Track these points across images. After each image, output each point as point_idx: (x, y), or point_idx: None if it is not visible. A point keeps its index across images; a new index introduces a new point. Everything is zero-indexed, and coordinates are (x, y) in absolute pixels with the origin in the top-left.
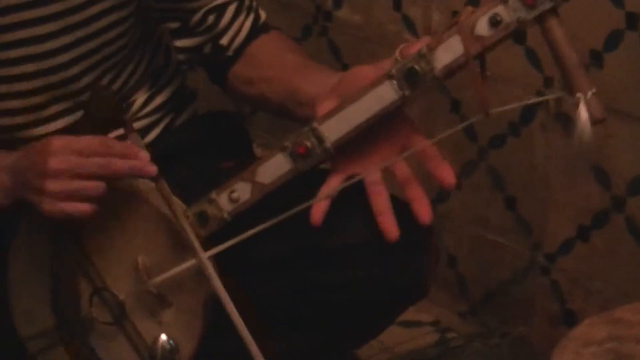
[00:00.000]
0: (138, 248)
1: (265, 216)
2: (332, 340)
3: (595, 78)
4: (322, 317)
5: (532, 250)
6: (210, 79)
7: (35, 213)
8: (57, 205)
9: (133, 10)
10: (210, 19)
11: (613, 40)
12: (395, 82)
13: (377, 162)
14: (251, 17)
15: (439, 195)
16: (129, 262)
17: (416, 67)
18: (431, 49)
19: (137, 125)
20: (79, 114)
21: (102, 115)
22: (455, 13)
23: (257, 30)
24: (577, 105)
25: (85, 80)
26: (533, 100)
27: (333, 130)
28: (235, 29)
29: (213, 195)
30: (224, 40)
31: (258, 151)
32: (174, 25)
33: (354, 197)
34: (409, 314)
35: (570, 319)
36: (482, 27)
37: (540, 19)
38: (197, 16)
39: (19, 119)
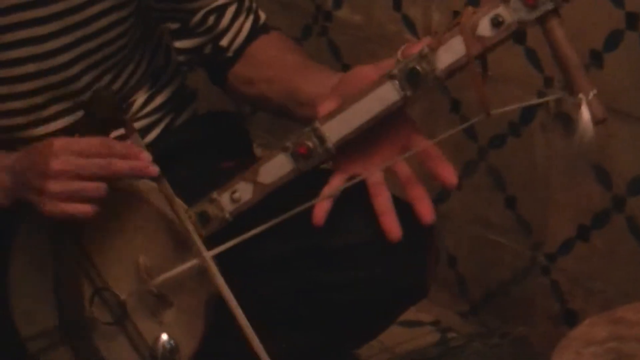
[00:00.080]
0: (139, 248)
1: (266, 216)
2: (332, 340)
3: (595, 78)
4: (322, 316)
5: (532, 250)
6: (211, 79)
7: (35, 213)
8: (58, 206)
9: (133, 10)
10: (211, 19)
11: (613, 40)
12: (396, 82)
13: (379, 162)
14: (251, 18)
15: (439, 195)
16: (130, 262)
17: (418, 67)
18: (433, 49)
19: (137, 125)
20: (79, 114)
21: (102, 116)
22: (455, 13)
23: (257, 31)
24: (578, 106)
25: (86, 80)
26: (535, 101)
27: (334, 130)
28: (235, 30)
29: (214, 195)
30: (224, 41)
31: (258, 151)
32: (174, 25)
33: (356, 197)
34: (410, 314)
35: (571, 319)
36: (484, 27)
37: (541, 20)
38: (197, 17)
39: (20, 120)
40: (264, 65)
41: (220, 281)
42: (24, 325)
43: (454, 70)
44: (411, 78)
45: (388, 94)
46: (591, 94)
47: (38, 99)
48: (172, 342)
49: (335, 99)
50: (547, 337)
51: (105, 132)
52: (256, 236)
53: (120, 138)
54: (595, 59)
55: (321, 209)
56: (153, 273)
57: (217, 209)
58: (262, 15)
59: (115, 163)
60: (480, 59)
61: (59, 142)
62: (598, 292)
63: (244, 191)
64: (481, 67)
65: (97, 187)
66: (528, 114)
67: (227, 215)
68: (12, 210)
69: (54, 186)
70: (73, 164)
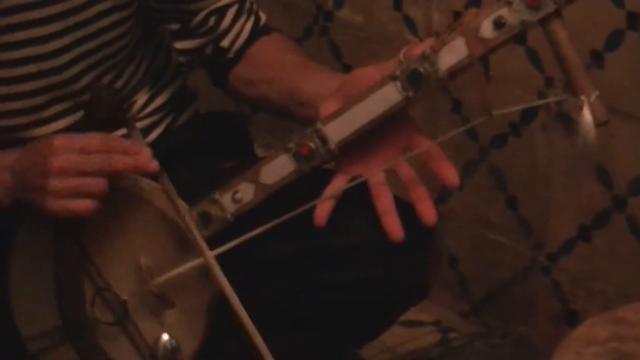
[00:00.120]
0: (140, 248)
1: (268, 216)
2: (334, 340)
3: (596, 78)
4: (324, 317)
5: (533, 250)
6: (211, 80)
7: (35, 213)
8: (60, 204)
9: (134, 11)
10: (211, 20)
11: (614, 40)
12: (399, 83)
13: (381, 162)
14: (252, 19)
15: (440, 196)
16: (131, 262)
17: (420, 68)
18: (435, 50)
19: (139, 125)
20: (80, 114)
21: (102, 115)
22: (455, 13)
23: (257, 32)
24: (580, 107)
25: (86, 80)
26: (537, 102)
27: (337, 131)
28: (236, 31)
29: (216, 195)
30: (225, 43)
31: (259, 151)
32: (175, 26)
33: (358, 197)
34: (411, 314)
35: (572, 319)
36: (486, 29)
37: (544, 21)
38: (198, 18)
39: (20, 120)
40: (265, 66)
41: (224, 281)
42: (24, 325)
43: (456, 71)
44: (413, 79)
45: (390, 95)
46: (593, 96)
47: (38, 100)
48: (173, 342)
49: (337, 100)
50: (548, 337)
51: (105, 130)
52: (258, 236)
53: (122, 137)
54: (596, 59)
55: (323, 209)
56: (154, 273)
57: (219, 209)
58: (263, 17)
59: (116, 159)
60: (483, 60)
61: (59, 140)
62: (599, 292)
63: (246, 192)
64: (483, 68)
65: (98, 183)
66: (529, 114)
67: (229, 216)
68: (12, 210)
69: (55, 184)
70: (73, 161)
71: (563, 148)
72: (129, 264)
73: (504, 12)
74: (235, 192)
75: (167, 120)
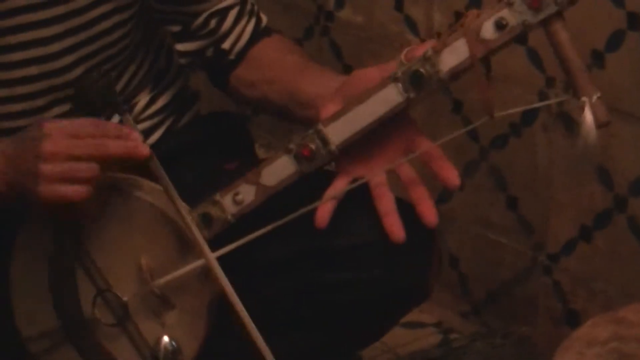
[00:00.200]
0: (141, 249)
1: (270, 216)
2: (335, 341)
3: (597, 78)
4: (325, 317)
5: (534, 250)
6: (212, 82)
7: (36, 213)
8: (51, 189)
9: (135, 12)
10: (212, 23)
11: (615, 41)
12: (400, 84)
13: (382, 164)
14: (253, 21)
15: (441, 196)
16: (132, 263)
17: (421, 70)
18: (436, 51)
19: (140, 127)
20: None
21: (93, 97)
22: (456, 13)
23: (258, 34)
24: (582, 109)
25: None
26: (539, 104)
27: (338, 132)
28: (237, 33)
29: (217, 197)
30: (226, 45)
31: (260, 152)
32: (176, 28)
33: (359, 198)
34: (412, 315)
35: (573, 319)
36: (488, 30)
37: (545, 23)
38: (199, 20)
39: (21, 122)
40: (265, 67)
41: (225, 282)
42: (25, 326)
43: (457, 72)
44: (414, 80)
45: (391, 96)
46: (594, 97)
47: (39, 102)
48: (173, 343)
49: (338, 101)
50: (549, 337)
51: (97, 115)
52: (259, 237)
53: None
54: (597, 59)
55: (324, 211)
56: (155, 274)
57: (220, 210)
58: (264, 18)
59: (108, 143)
60: (484, 61)
61: (50, 125)
62: (600, 293)
63: (247, 193)
64: (485, 69)
65: (91, 168)
66: (530, 114)
67: (230, 217)
68: (13, 210)
69: (46, 168)
70: (65, 145)
71: (564, 148)
72: (129, 265)
73: (505, 13)
74: (236, 194)
75: (169, 122)
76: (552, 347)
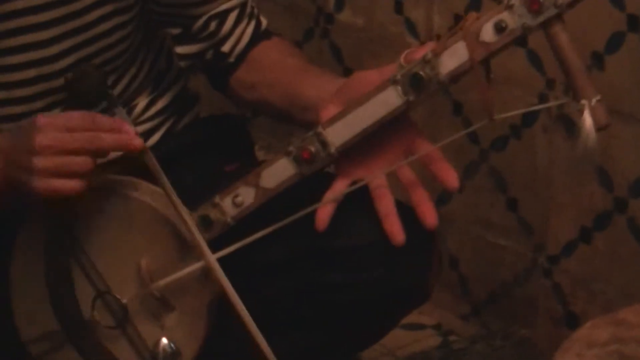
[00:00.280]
0: (140, 251)
1: (270, 218)
2: (335, 341)
3: (597, 80)
4: (326, 318)
5: (534, 251)
6: (212, 84)
7: (35, 213)
8: (46, 183)
9: (134, 15)
10: (212, 25)
11: (615, 42)
12: (399, 87)
13: (382, 166)
14: (253, 23)
15: (440, 197)
16: (132, 265)
17: (421, 72)
18: (436, 54)
19: (140, 129)
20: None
21: (87, 89)
22: (456, 15)
23: (258, 36)
24: (581, 111)
25: None
26: (539, 106)
27: (337, 135)
28: (237, 36)
29: (217, 199)
30: (226, 47)
31: (260, 154)
32: (176, 31)
33: (359, 200)
34: (411, 317)
35: (573, 321)
36: (487, 32)
37: (545, 25)
38: (199, 23)
39: None
40: (265, 70)
41: (227, 283)
42: (25, 326)
43: (457, 75)
44: (414, 83)
45: (391, 99)
46: (594, 100)
47: (38, 104)
48: (172, 345)
49: (338, 104)
50: (549, 338)
51: (90, 107)
52: (259, 238)
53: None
54: (597, 60)
55: (324, 213)
56: (155, 276)
57: (219, 213)
58: (264, 21)
59: (101, 137)
60: (484, 64)
61: (43, 118)
62: (600, 294)
63: (246, 195)
64: (485, 72)
65: (84, 161)
66: (530, 116)
67: (229, 220)
68: (13, 211)
69: (40, 162)
70: (58, 139)
71: (564, 150)
72: (129, 266)
73: (504, 16)
74: (236, 196)
75: (168, 124)
76: (552, 349)
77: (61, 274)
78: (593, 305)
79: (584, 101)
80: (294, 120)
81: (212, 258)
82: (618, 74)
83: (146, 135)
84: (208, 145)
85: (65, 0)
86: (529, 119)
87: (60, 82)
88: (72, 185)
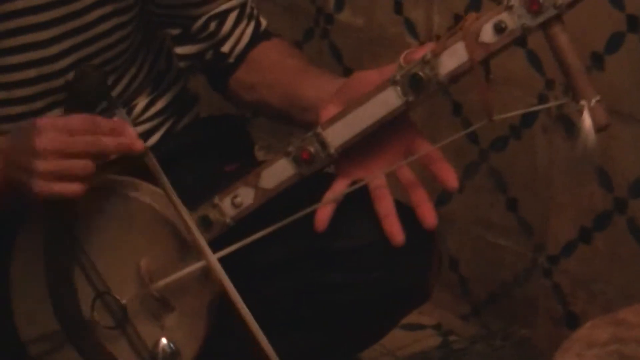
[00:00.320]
0: (140, 251)
1: (270, 218)
2: (335, 341)
3: (596, 80)
4: (325, 319)
5: (534, 252)
6: (211, 85)
7: (35, 213)
8: (46, 186)
9: (134, 15)
10: (212, 26)
11: (614, 43)
12: (399, 87)
13: (381, 166)
14: (252, 24)
15: (440, 198)
16: (132, 265)
17: (420, 73)
18: (435, 55)
19: (139, 129)
20: None
21: (87, 90)
22: (456, 16)
23: (258, 37)
24: (581, 112)
25: None
26: (538, 107)
27: (337, 135)
28: (237, 36)
29: (216, 200)
30: (226, 48)
31: (260, 154)
32: (175, 31)
33: (359, 200)
34: (411, 317)
35: (573, 321)
36: (487, 33)
37: (544, 26)
38: (199, 23)
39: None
40: (265, 71)
41: (228, 283)
42: (25, 326)
43: (456, 75)
44: (414, 83)
45: (390, 100)
46: (594, 100)
47: (38, 104)
48: (172, 346)
49: (337, 104)
50: (549, 339)
51: (90, 109)
52: (258, 239)
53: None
54: (597, 61)
55: (323, 214)
56: (155, 276)
57: (219, 213)
58: (264, 22)
59: (102, 140)
60: (483, 64)
61: (44, 121)
62: (600, 294)
63: (246, 196)
64: (484, 72)
65: (85, 165)
66: (529, 116)
67: (229, 220)
68: (13, 211)
69: (42, 164)
70: (59, 142)
71: (564, 150)
72: (129, 267)
73: (504, 16)
74: (235, 197)
75: (168, 124)
76: (552, 349)
77: (61, 274)
78: (593, 305)
79: (583, 101)
80: (294, 121)
81: (213, 258)
82: (618, 75)
83: (146, 135)
84: (208, 146)
85: (65, 1)
86: (528, 119)
87: (60, 82)
88: (73, 188)
